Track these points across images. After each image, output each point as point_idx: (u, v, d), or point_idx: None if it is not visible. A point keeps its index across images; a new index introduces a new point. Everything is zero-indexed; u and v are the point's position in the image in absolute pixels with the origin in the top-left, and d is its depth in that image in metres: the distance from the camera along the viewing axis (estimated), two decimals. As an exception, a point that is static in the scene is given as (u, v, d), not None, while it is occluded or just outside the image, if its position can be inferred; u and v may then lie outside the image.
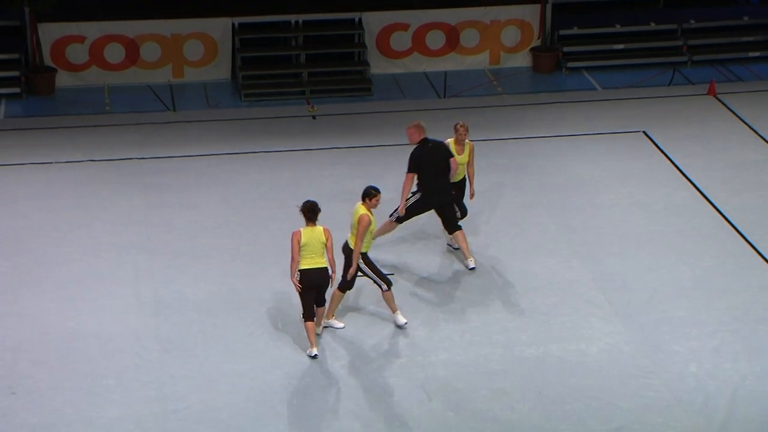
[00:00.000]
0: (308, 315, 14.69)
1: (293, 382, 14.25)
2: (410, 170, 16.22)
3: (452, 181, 16.54)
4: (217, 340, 15.03)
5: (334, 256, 14.63)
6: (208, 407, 13.82)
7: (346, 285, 15.16)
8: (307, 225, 14.52)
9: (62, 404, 13.84)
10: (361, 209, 14.82)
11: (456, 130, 16.67)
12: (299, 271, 14.51)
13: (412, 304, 15.64)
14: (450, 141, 16.67)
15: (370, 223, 14.77)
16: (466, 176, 16.92)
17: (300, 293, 14.59)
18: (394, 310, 15.24)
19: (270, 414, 13.73)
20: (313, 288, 14.61)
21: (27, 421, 13.56)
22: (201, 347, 14.88)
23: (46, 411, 13.72)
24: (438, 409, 13.85)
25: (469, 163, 16.85)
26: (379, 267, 15.18)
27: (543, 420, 13.68)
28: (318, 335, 14.95)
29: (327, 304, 15.01)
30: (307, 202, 14.60)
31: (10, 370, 14.43)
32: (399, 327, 15.19)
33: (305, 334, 14.71)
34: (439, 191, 16.33)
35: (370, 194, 14.85)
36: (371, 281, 15.17)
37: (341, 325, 15.28)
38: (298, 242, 14.41)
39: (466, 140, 16.70)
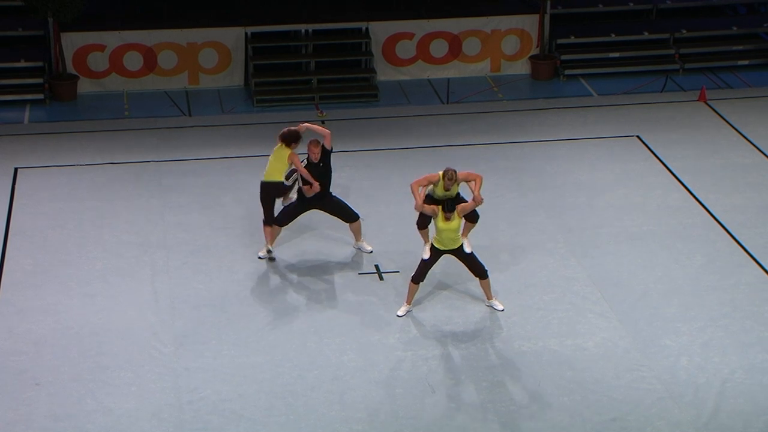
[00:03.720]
0: (267, 221, 16.26)
1: (302, 375, 14.23)
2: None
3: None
4: (229, 334, 15.02)
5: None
6: (221, 398, 13.81)
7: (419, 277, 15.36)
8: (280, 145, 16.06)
9: (83, 395, 13.84)
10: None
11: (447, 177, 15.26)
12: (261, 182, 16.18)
13: (415, 301, 15.60)
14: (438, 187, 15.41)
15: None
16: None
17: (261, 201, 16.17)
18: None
19: (280, 405, 13.72)
20: (270, 199, 16.14)
21: (50, 411, 13.57)
22: (214, 341, 14.87)
23: (68, 401, 13.74)
24: (441, 400, 13.83)
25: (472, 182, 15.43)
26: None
27: (541, 411, 13.65)
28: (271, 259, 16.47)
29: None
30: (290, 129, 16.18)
31: (35, 362, 14.44)
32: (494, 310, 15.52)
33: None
34: None
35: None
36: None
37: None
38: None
39: (455, 184, 15.36)
